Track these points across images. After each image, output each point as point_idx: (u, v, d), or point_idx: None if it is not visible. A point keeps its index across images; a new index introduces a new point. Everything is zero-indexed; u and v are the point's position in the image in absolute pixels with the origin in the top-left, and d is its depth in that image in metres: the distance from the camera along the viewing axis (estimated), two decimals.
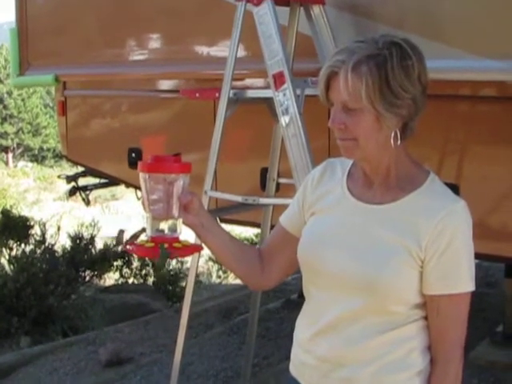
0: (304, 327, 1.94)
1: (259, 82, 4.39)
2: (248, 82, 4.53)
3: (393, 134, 1.77)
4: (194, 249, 2.01)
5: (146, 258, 8.35)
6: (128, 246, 1.95)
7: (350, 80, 1.72)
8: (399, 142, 1.78)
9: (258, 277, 2.07)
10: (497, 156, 3.70)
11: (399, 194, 1.82)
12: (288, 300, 6.42)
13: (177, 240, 1.90)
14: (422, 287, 1.78)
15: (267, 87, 3.61)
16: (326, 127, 1.95)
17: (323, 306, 1.87)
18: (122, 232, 9.36)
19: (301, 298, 1.98)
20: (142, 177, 1.86)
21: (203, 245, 2.01)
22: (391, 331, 1.79)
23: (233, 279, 9.96)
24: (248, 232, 10.71)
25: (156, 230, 1.89)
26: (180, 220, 1.90)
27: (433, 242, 1.74)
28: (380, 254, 1.77)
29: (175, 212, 1.87)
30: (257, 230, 8.08)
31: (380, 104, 1.72)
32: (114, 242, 8.85)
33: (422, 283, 1.77)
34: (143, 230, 1.95)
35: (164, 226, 1.89)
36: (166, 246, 1.86)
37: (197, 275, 4.03)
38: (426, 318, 1.82)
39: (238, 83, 4.21)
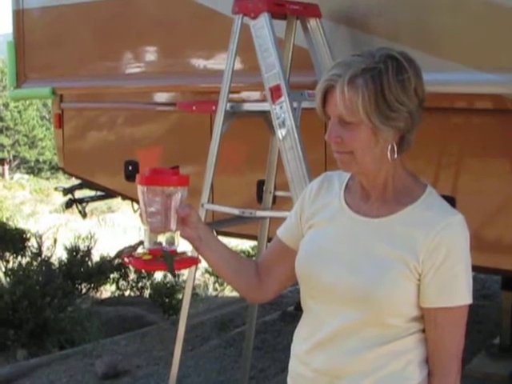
0: (301, 339, 1.94)
1: (256, 95, 4.40)
2: (245, 94, 4.54)
3: (389, 148, 1.77)
4: (192, 262, 2.01)
5: (143, 271, 8.34)
6: (125, 259, 1.95)
7: (346, 93, 1.72)
8: (396, 155, 1.78)
9: (256, 290, 2.07)
10: (493, 168, 3.71)
11: (396, 207, 1.82)
12: (284, 312, 6.39)
13: (174, 253, 1.91)
14: (419, 300, 1.78)
15: (264, 100, 3.62)
16: (322, 140, 1.95)
17: (321, 318, 1.87)
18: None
19: (297, 311, 1.98)
20: (140, 189, 1.86)
21: (200, 258, 2.02)
22: (389, 344, 1.79)
23: (229, 292, 9.94)
24: (244, 244, 10.70)
25: (154, 243, 1.90)
26: (178, 233, 1.90)
27: (430, 255, 1.74)
28: (377, 267, 1.77)
29: (173, 225, 1.87)
30: (253, 243, 8.09)
31: (376, 117, 1.72)
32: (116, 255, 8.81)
33: (419, 296, 1.78)
34: (141, 242, 1.95)
35: (162, 238, 1.90)
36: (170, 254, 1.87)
37: (193, 288, 4.03)
38: (423, 330, 1.82)
39: (235, 96, 4.23)
